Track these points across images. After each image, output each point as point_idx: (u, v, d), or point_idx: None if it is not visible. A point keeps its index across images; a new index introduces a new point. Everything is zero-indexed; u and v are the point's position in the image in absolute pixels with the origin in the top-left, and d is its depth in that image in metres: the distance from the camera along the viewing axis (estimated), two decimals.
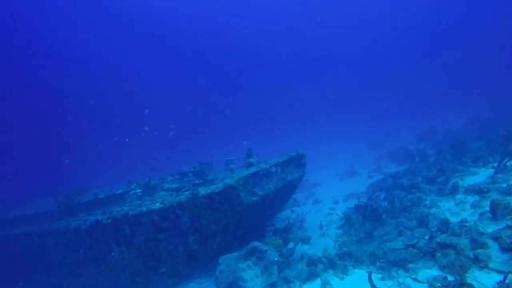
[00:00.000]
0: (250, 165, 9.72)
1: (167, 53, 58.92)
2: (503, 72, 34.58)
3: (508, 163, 8.98)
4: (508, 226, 5.56)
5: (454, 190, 8.77)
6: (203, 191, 8.20)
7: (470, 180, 9.03)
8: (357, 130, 33.35)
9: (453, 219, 7.08)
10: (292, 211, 12.02)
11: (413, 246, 6.29)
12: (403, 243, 6.61)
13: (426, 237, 6.40)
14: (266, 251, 7.41)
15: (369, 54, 61.03)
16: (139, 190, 9.69)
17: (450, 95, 36.16)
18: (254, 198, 8.70)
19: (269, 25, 61.35)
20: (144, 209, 8.37)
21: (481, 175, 9.38)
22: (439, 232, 6.22)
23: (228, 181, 8.25)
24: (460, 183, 8.95)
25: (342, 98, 58.01)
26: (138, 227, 8.48)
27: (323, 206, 13.43)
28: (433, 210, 8.16)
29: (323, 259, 7.34)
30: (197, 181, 10.14)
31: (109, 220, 8.61)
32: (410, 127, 26.50)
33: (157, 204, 8.39)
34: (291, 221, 11.28)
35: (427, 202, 8.81)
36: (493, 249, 5.46)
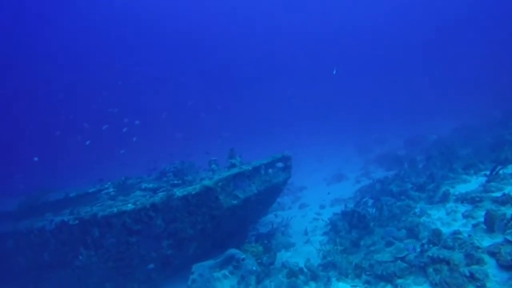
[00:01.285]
0: (232, 166, 9.05)
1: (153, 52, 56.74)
2: (494, 80, 34.56)
3: (500, 171, 8.49)
4: (507, 241, 5.01)
5: (445, 198, 8.23)
6: (178, 192, 7.49)
7: (461, 188, 8.50)
8: (346, 134, 32.90)
9: (445, 230, 6.51)
10: (276, 215, 11.37)
11: (402, 259, 5.69)
12: (391, 255, 6.01)
13: (417, 249, 5.80)
14: (243, 259, 6.73)
15: (360, 58, 60.27)
16: (112, 190, 8.90)
17: (440, 101, 35.99)
18: (235, 202, 8.01)
19: (258, 25, 60.12)
20: (115, 210, 7.60)
21: (472, 183, 8.86)
22: (430, 245, 5.63)
23: (206, 182, 7.55)
24: (451, 191, 8.41)
25: (332, 100, 57.16)
26: (108, 229, 7.70)
27: (309, 211, 12.81)
28: (423, 219, 7.60)
29: (305, 269, 6.69)
30: (175, 181, 9.43)
31: (76, 221, 7.81)
32: (399, 132, 26.15)
33: (129, 205, 7.64)
34: (275, 225, 10.63)
35: (417, 210, 8.26)
36: (490, 265, 4.89)
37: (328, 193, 14.75)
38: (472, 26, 52.57)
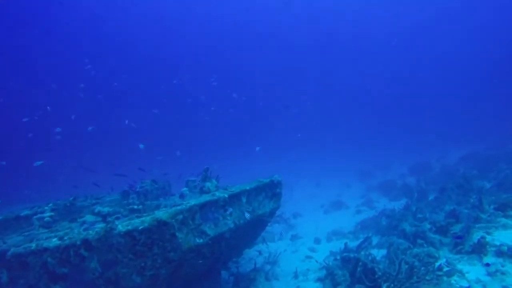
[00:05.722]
0: (204, 192, 6.82)
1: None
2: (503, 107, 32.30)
3: None
4: None
5: (480, 249, 5.91)
6: (121, 226, 5.24)
7: (502, 236, 6.18)
8: (346, 158, 30.46)
9: None
10: (260, 252, 9.01)
11: None
12: None
13: None
14: None
15: (363, 80, 56.77)
16: (49, 214, 6.63)
17: (447, 128, 33.62)
18: (200, 240, 5.69)
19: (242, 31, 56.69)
20: (33, 246, 5.35)
21: None
22: None
23: (160, 214, 5.29)
24: (488, 239, 6.10)
25: (331, 122, 53.65)
26: (23, 272, 5.41)
27: (301, 246, 10.41)
28: (454, 280, 5.28)
29: None
30: (135, 206, 7.21)
31: None
32: (402, 159, 23.80)
33: (54, 239, 5.38)
34: (258, 265, 8.28)
35: (442, 263, 5.92)
36: None
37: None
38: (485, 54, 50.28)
